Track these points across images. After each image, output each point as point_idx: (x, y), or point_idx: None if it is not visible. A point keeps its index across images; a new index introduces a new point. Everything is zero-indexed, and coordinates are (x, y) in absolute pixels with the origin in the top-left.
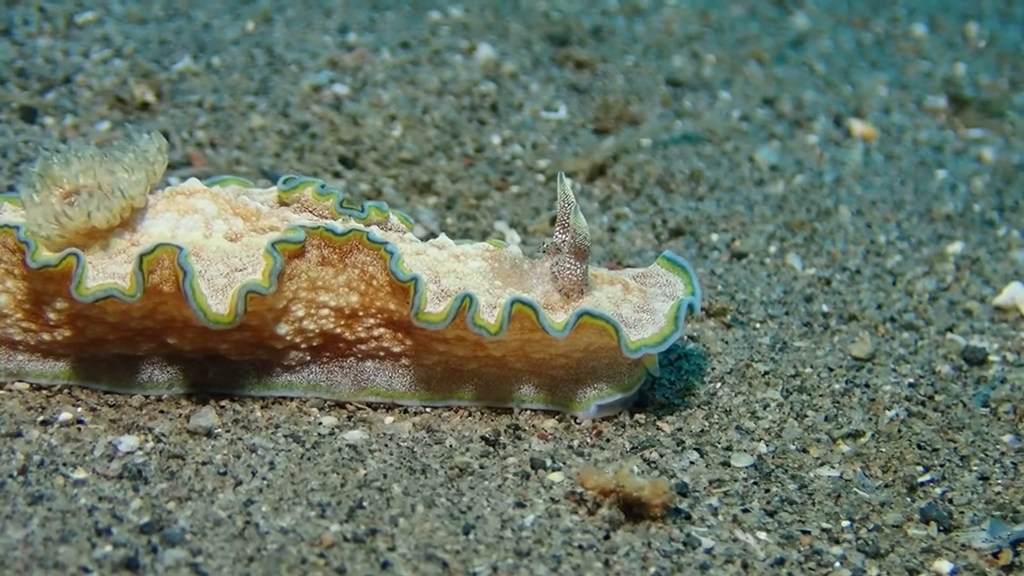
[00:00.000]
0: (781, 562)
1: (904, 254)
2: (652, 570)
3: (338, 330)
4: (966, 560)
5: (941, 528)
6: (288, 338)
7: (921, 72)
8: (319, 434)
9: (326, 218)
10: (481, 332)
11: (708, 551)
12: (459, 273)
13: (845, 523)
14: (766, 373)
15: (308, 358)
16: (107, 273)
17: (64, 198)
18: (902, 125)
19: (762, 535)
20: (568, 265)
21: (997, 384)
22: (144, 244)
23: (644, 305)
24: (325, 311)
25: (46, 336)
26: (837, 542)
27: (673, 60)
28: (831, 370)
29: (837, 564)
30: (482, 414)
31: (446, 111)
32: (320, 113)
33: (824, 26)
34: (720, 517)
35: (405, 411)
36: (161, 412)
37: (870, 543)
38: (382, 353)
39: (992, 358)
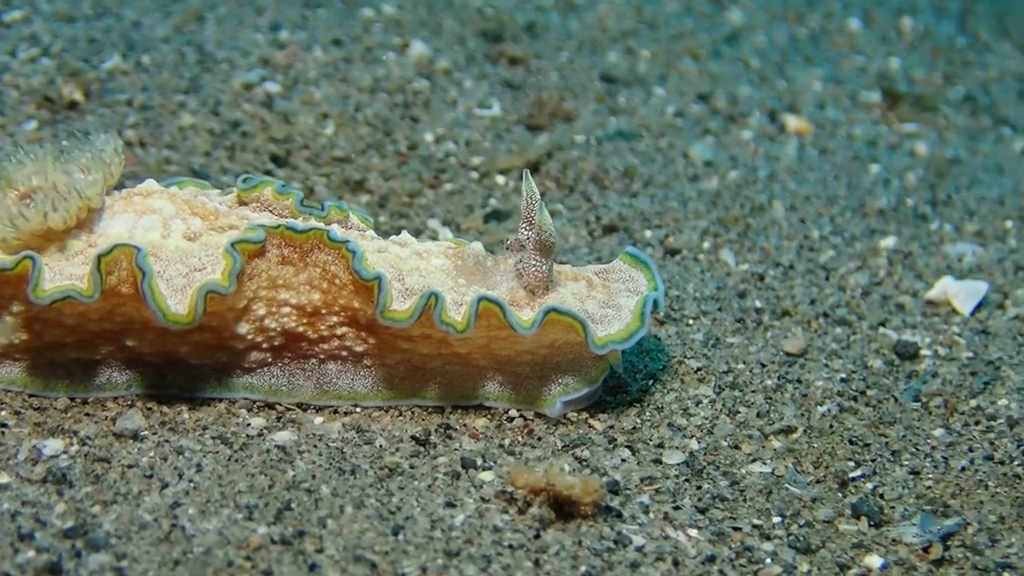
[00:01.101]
0: (712, 559)
1: (837, 249)
2: (582, 569)
3: (300, 328)
4: (896, 555)
5: (872, 523)
6: (249, 337)
7: (855, 67)
8: (247, 435)
9: (286, 217)
10: (448, 330)
11: (639, 549)
12: (422, 271)
13: (776, 519)
14: (699, 369)
15: (269, 359)
16: (64, 275)
17: (19, 200)
18: (836, 120)
19: (693, 532)
20: (534, 261)
21: (928, 378)
22: (101, 245)
23: (609, 301)
24: (287, 309)
25: (2, 339)
26: (768, 538)
27: (607, 56)
28: (763, 366)
29: (768, 560)
30: (413, 413)
31: (379, 108)
32: (251, 111)
33: (759, 21)
34: (651, 515)
35: (335, 411)
36: (87, 415)
37: (801, 539)
38: (345, 353)
39: (924, 352)
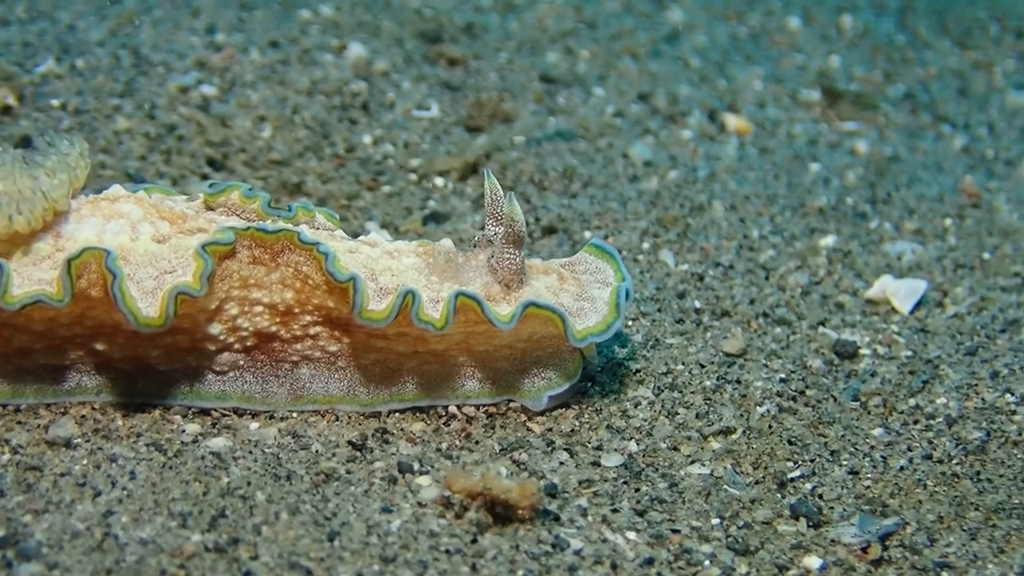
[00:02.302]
0: (650, 562)
1: (777, 248)
2: (520, 573)
3: (273, 328)
4: (835, 555)
5: (811, 524)
6: (222, 338)
7: (796, 65)
8: (182, 442)
9: (253, 220)
10: (427, 327)
11: (577, 552)
12: (394, 270)
13: (715, 521)
14: (638, 371)
15: (241, 362)
16: (33, 280)
17: None
18: (776, 119)
19: (631, 535)
20: (507, 255)
21: (867, 377)
22: (70, 249)
23: (582, 294)
24: (259, 308)
25: None
26: (707, 540)
27: (547, 56)
28: (703, 367)
29: (707, 563)
30: (350, 418)
31: (316, 111)
32: (187, 115)
33: (699, 20)
34: (589, 518)
35: (271, 417)
36: (18, 423)
37: (740, 540)
38: (318, 353)
39: (863, 351)
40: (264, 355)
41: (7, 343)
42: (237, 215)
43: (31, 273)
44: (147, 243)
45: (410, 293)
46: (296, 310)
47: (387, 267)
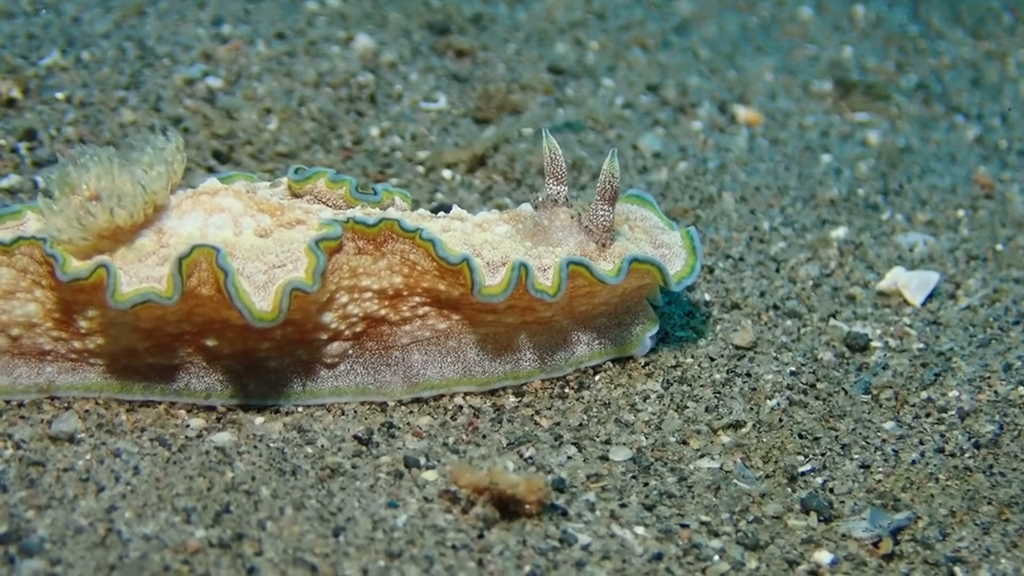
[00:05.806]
0: (659, 557)
1: (788, 240)
2: (527, 568)
3: (382, 312)
4: (846, 550)
5: (821, 518)
6: (333, 326)
7: (807, 56)
8: (186, 437)
9: (339, 206)
10: (542, 296)
11: (584, 547)
12: (492, 242)
13: (724, 515)
14: (646, 364)
15: (351, 352)
16: (140, 277)
17: (86, 201)
18: (787, 110)
19: (640, 530)
20: (602, 211)
21: (879, 370)
22: (175, 245)
23: (655, 240)
24: (368, 294)
25: (77, 344)
26: (716, 535)
27: (555, 47)
28: (712, 360)
29: (716, 557)
30: (355, 412)
31: (323, 103)
32: (193, 107)
33: (709, 10)
34: (597, 512)
35: (276, 411)
36: (21, 418)
37: (749, 535)
38: (428, 333)
39: (874, 344)
40: (373, 342)
41: (115, 341)
42: (323, 202)
43: (137, 270)
44: (251, 237)
45: (523, 265)
46: (405, 293)
47: (484, 240)
